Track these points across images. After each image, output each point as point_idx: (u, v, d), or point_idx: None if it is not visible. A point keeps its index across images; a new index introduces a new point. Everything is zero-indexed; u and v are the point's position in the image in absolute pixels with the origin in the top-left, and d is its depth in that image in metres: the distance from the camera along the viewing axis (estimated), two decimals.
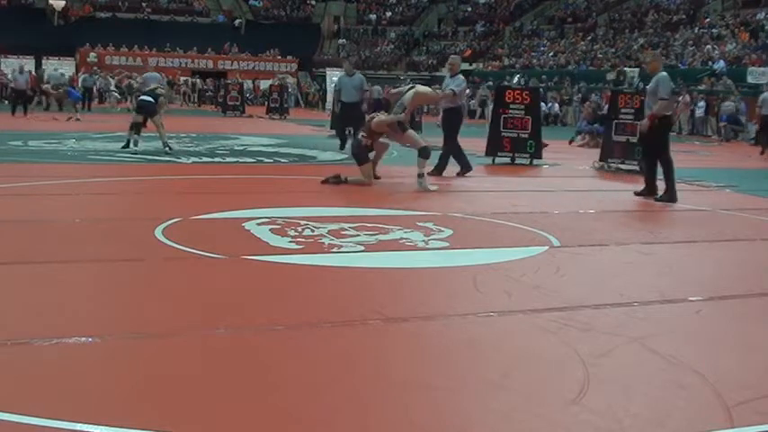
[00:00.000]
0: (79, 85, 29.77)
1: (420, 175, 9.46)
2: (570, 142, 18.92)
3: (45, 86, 26.75)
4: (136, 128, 13.30)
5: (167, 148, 13.01)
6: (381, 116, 9.80)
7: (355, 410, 2.95)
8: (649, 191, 9.36)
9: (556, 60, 38.32)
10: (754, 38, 30.41)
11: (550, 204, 8.68)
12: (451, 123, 11.52)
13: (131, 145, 13.24)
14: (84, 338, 3.57)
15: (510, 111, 13.36)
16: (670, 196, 9.02)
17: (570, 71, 35.64)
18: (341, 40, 49.86)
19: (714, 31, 32.75)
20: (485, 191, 10.10)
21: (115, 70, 40.65)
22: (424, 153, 9.51)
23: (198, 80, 39.62)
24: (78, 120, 21.45)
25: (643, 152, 9.78)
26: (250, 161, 12.73)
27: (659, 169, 9.32)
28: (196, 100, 37.86)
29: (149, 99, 13.23)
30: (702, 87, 27.21)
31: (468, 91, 37.46)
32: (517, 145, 13.25)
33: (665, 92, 9.15)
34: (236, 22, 47.91)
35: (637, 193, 9.47)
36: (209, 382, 3.13)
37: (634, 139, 12.55)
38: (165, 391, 3.05)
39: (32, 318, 3.91)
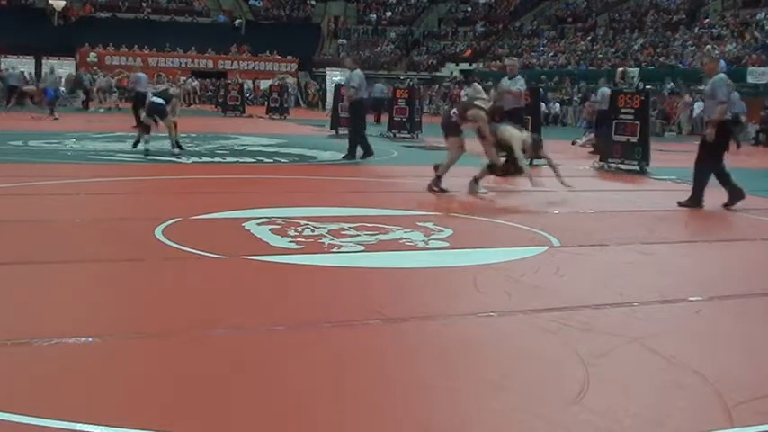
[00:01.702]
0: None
1: (475, 180, 9.11)
2: (573, 143, 18.88)
3: (27, 88, 26.90)
4: (145, 129, 13.10)
5: (177, 149, 12.83)
6: (479, 108, 9.19)
7: (355, 410, 2.95)
8: (693, 201, 8.74)
9: (556, 60, 38.30)
10: (742, 37, 30.41)
11: (550, 204, 8.69)
12: (518, 122, 11.55)
13: (140, 145, 12.99)
14: (84, 338, 3.57)
15: None
16: (696, 201, 8.69)
17: (570, 71, 35.63)
18: (341, 40, 49.84)
19: (714, 31, 32.74)
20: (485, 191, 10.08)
21: (115, 70, 40.65)
22: (492, 168, 9.19)
23: (195, 82, 39.50)
24: (56, 119, 21.52)
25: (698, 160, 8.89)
26: (250, 161, 12.72)
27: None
28: (194, 101, 37.78)
29: (160, 101, 13.02)
30: (702, 87, 27.21)
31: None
32: None
33: (722, 95, 8.68)
34: (236, 22, 47.90)
35: (681, 203, 8.80)
36: (209, 382, 3.13)
37: (634, 139, 12.58)
38: (165, 391, 3.05)
39: (32, 318, 3.91)
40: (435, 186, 9.13)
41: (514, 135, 9.24)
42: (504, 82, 12.33)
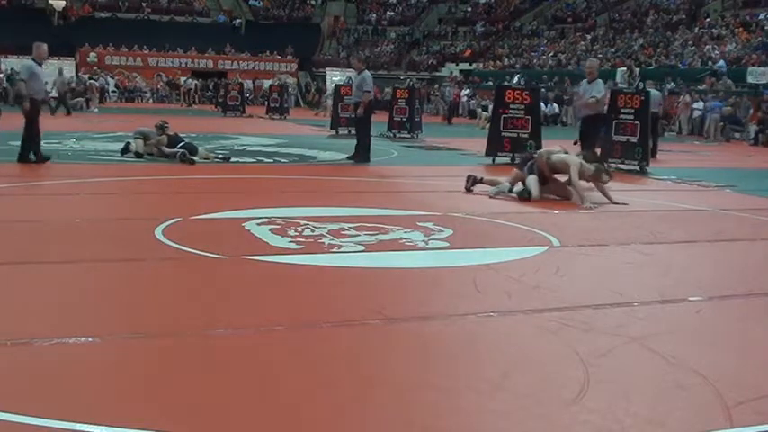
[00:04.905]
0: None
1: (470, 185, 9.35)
2: (575, 143, 18.85)
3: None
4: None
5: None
6: (565, 154, 8.99)
7: (355, 410, 2.95)
8: None
9: (556, 60, 38.29)
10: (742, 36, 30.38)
11: (550, 204, 8.68)
12: (596, 131, 11.61)
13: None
14: (84, 338, 3.57)
15: (510, 111, 13.35)
16: None
17: (570, 71, 35.61)
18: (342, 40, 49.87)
19: (714, 31, 32.73)
20: (484, 191, 10.08)
21: (115, 70, 40.68)
22: (523, 194, 8.76)
23: (195, 81, 39.48)
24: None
25: None
26: (250, 161, 12.71)
27: None
28: (195, 101, 37.76)
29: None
30: (703, 87, 27.21)
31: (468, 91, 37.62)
32: (517, 145, 13.22)
33: None
34: (236, 22, 47.90)
35: None
36: (210, 382, 3.13)
37: (634, 139, 12.59)
38: (165, 391, 3.05)
39: (32, 318, 3.91)
40: (471, 185, 9.33)
41: (571, 160, 8.84)
42: (583, 86, 11.86)
